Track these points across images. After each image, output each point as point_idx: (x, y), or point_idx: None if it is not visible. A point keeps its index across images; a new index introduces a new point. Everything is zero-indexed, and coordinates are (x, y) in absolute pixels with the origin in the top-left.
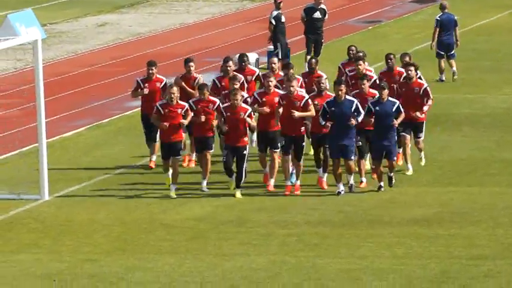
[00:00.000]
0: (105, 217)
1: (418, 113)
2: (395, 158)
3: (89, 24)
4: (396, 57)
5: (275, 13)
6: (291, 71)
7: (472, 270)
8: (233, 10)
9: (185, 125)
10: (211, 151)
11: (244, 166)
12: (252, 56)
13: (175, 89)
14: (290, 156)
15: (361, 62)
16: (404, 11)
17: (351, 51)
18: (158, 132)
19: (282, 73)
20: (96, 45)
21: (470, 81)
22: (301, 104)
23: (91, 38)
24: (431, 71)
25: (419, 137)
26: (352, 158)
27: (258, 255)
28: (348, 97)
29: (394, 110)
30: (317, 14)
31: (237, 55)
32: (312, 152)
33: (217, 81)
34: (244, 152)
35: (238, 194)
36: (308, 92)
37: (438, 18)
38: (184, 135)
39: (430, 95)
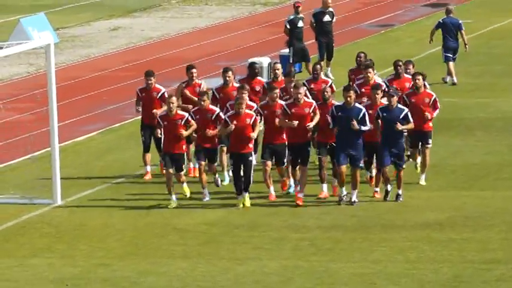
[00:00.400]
0: (118, 222)
1: (427, 114)
2: (404, 166)
3: (102, 29)
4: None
5: (291, 17)
6: (293, 78)
7: (485, 274)
8: (245, 14)
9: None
10: (215, 163)
11: (252, 174)
12: (265, 60)
13: (174, 99)
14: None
15: (370, 70)
16: (417, 15)
17: (359, 58)
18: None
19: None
20: (109, 49)
21: (482, 86)
22: (310, 110)
23: (103, 42)
24: (442, 75)
25: (428, 144)
26: (359, 165)
27: (271, 260)
28: (357, 104)
29: (402, 117)
30: (326, 18)
31: (249, 61)
32: (316, 160)
33: (216, 92)
34: (250, 158)
35: (247, 200)
36: (314, 99)
37: (441, 21)
38: (185, 147)
39: (438, 105)
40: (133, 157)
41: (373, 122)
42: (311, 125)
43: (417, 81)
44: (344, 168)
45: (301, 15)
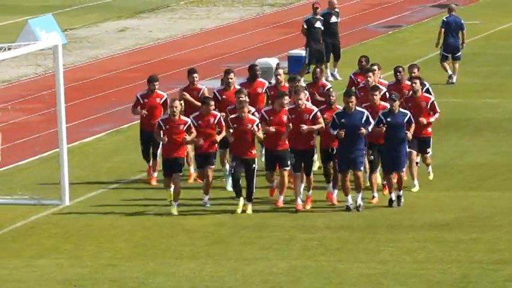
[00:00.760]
0: (126, 222)
1: (423, 119)
2: (404, 170)
3: (109, 30)
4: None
5: (308, 17)
6: (298, 84)
7: (493, 274)
8: (253, 15)
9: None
10: (213, 166)
11: (254, 180)
12: (273, 61)
13: (177, 103)
14: (301, 173)
15: (370, 74)
16: (424, 16)
17: (360, 63)
18: (160, 149)
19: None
20: (116, 50)
21: (491, 86)
22: (310, 117)
23: (111, 43)
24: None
25: (428, 153)
26: (361, 168)
27: (279, 260)
28: (358, 108)
29: (405, 121)
30: (333, 19)
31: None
32: (319, 165)
33: (218, 94)
34: (254, 166)
35: (249, 209)
36: (313, 103)
37: (444, 20)
38: (186, 152)
39: (437, 109)
40: (141, 158)
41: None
42: (304, 127)
43: (414, 85)
44: (347, 174)
45: (318, 16)
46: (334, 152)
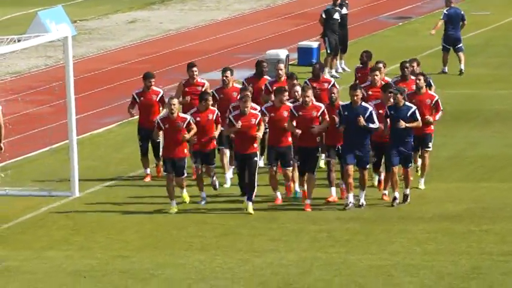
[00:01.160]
0: (136, 214)
1: (429, 117)
2: (411, 165)
3: (119, 21)
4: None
5: (328, 7)
6: (295, 81)
7: (504, 266)
8: (264, 6)
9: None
10: (213, 166)
11: (256, 176)
12: (283, 53)
13: (175, 101)
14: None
15: (377, 73)
16: (435, 7)
17: (362, 58)
18: (160, 148)
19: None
20: (127, 42)
21: (501, 77)
22: (318, 114)
23: (121, 34)
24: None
25: (428, 148)
26: (367, 167)
27: (289, 251)
28: (363, 104)
29: (409, 115)
30: (344, 10)
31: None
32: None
33: (215, 93)
34: (255, 159)
35: (250, 208)
36: (315, 97)
37: (446, 12)
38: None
39: (441, 107)
40: (151, 149)
41: (382, 121)
42: (315, 128)
43: (418, 81)
44: (351, 168)
45: (338, 7)
46: (337, 149)
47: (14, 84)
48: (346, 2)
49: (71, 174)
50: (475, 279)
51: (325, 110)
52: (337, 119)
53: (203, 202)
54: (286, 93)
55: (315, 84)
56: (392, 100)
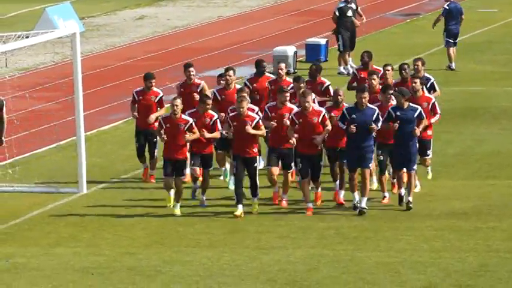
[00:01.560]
0: (143, 210)
1: (417, 130)
2: (415, 168)
3: (127, 18)
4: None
5: (341, 5)
6: (302, 84)
7: (511, 263)
8: (271, 3)
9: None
10: (210, 169)
11: (257, 177)
12: (290, 49)
13: (178, 102)
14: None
15: (375, 77)
16: (442, 4)
17: (363, 58)
18: (160, 149)
19: (289, 79)
20: (134, 38)
21: (508, 75)
22: (319, 119)
23: (129, 31)
24: (469, 64)
25: (427, 155)
26: (370, 166)
27: (296, 248)
28: (369, 105)
29: (415, 116)
30: (353, 6)
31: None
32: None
33: (217, 94)
34: (255, 164)
35: (256, 207)
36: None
37: (446, 7)
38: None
39: (438, 110)
40: (158, 146)
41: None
42: (318, 138)
43: (414, 84)
44: (355, 172)
45: (351, 4)
46: (339, 150)
47: (22, 80)
48: None
49: (79, 171)
50: (482, 277)
51: (326, 114)
52: (339, 123)
53: (204, 205)
54: (287, 94)
55: (309, 86)
56: (392, 101)
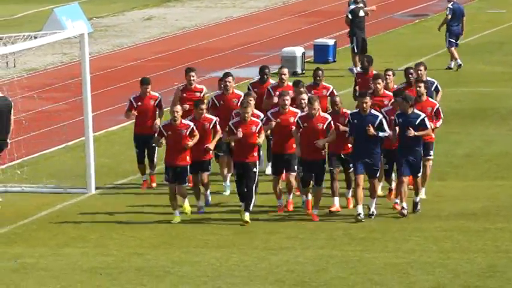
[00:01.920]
0: (151, 211)
1: (431, 124)
2: (419, 175)
3: (135, 18)
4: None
5: (352, 7)
6: (302, 89)
7: None
8: (279, 4)
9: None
10: (208, 172)
11: (254, 186)
12: (299, 50)
13: (178, 108)
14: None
15: (380, 81)
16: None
17: (363, 63)
18: (159, 154)
19: (290, 83)
20: (142, 39)
21: None
22: (324, 126)
23: (137, 32)
24: (478, 65)
25: (430, 155)
26: (377, 175)
27: (305, 249)
28: (373, 111)
29: (418, 122)
30: (362, 5)
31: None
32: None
33: (215, 100)
34: (254, 170)
35: (246, 217)
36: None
37: (451, 7)
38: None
39: (441, 115)
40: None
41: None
42: (320, 142)
43: (419, 89)
44: (362, 178)
45: (360, 5)
46: (343, 156)
47: (30, 81)
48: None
49: (87, 171)
50: (490, 278)
51: (332, 122)
52: (342, 127)
53: (201, 211)
54: (288, 97)
55: (313, 91)
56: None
